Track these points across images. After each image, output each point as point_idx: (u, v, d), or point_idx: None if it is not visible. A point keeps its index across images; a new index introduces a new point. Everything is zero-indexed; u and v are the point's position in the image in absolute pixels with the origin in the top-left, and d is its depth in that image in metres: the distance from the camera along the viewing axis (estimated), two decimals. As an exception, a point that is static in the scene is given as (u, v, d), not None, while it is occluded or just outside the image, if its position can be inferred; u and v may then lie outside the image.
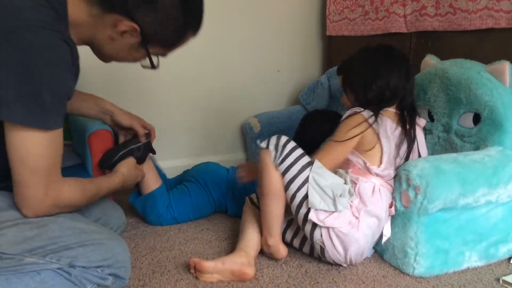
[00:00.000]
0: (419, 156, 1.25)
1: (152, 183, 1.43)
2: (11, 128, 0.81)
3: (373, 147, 1.18)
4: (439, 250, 1.13)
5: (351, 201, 1.14)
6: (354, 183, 1.18)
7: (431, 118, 1.41)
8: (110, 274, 0.94)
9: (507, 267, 1.19)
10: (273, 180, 1.16)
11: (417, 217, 1.11)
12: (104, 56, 1.00)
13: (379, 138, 1.18)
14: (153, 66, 1.00)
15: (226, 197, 1.54)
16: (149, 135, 1.36)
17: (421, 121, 1.30)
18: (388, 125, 1.20)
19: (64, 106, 0.86)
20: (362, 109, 1.20)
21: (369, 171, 1.18)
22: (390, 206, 1.17)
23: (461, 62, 1.36)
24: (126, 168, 1.23)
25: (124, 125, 1.31)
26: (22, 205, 0.86)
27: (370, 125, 1.17)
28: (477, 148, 1.27)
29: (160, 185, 1.44)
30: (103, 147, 1.33)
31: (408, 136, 1.21)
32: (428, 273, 1.13)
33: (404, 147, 1.21)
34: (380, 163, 1.18)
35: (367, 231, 1.14)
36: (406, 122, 1.21)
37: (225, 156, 2.11)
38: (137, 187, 1.46)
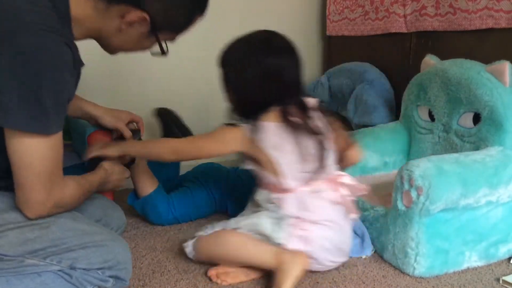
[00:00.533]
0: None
1: (148, 185, 1.42)
2: (13, 135, 0.80)
3: (265, 162, 1.08)
4: (439, 250, 1.13)
5: (288, 222, 1.07)
6: (278, 203, 1.09)
7: (431, 118, 1.41)
8: (111, 276, 0.94)
9: (507, 267, 1.19)
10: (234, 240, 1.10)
11: (418, 217, 1.11)
12: (111, 48, 0.99)
13: (265, 152, 1.07)
14: (163, 52, 0.99)
15: (227, 196, 1.54)
16: (138, 132, 1.32)
17: (311, 102, 1.14)
18: (272, 132, 1.07)
19: (65, 110, 0.86)
20: (242, 122, 1.09)
21: (284, 186, 1.08)
22: (361, 191, 1.13)
23: (461, 62, 1.36)
24: (109, 164, 1.15)
25: (109, 128, 1.28)
26: (24, 207, 0.86)
27: (251, 142, 1.07)
28: (476, 148, 1.27)
29: (156, 186, 1.44)
30: None
31: (307, 130, 1.07)
32: (428, 273, 1.13)
33: (308, 141, 1.08)
34: (285, 175, 1.07)
35: (325, 234, 1.08)
36: (286, 117, 1.07)
37: (225, 156, 2.11)
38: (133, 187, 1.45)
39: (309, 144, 1.08)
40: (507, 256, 1.23)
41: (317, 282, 1.12)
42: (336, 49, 2.19)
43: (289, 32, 2.22)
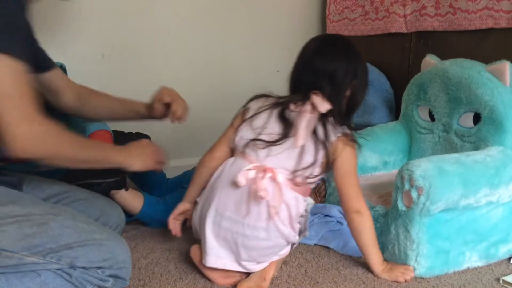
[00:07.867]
0: None
1: (135, 204, 1.38)
2: None
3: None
4: (439, 251, 1.13)
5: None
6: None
7: (431, 118, 1.41)
8: (110, 276, 0.94)
9: (507, 267, 1.19)
10: None
11: (419, 218, 1.10)
12: None
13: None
14: None
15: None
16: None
17: (322, 106, 1.07)
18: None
19: (14, 37, 0.82)
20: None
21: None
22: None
23: (461, 62, 1.36)
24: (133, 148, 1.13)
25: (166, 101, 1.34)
26: (8, 141, 0.80)
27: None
28: (476, 148, 1.27)
29: (143, 200, 1.40)
30: None
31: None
32: (428, 273, 1.13)
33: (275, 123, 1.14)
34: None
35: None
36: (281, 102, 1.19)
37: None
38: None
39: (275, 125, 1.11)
40: (507, 256, 1.23)
41: (317, 282, 1.12)
42: (336, 49, 2.19)
43: (289, 32, 2.25)
